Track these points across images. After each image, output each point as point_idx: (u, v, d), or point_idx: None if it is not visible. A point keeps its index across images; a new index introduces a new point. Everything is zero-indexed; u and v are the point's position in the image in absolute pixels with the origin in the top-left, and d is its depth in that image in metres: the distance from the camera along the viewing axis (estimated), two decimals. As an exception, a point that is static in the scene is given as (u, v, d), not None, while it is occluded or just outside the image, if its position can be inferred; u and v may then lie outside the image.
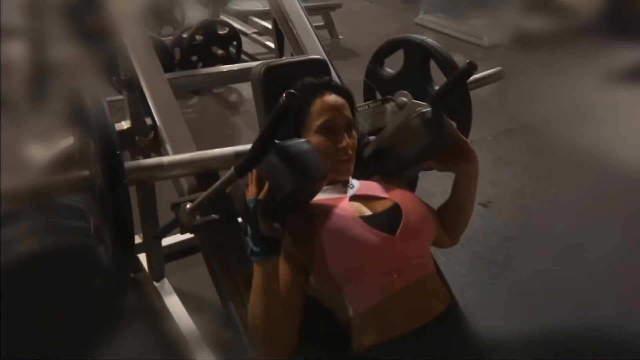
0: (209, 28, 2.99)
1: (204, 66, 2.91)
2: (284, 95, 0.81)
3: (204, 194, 0.97)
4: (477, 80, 1.47)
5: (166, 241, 1.69)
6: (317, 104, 1.02)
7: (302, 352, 0.93)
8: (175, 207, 1.03)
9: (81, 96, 0.97)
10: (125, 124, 1.51)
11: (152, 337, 1.47)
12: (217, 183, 0.93)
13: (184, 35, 2.92)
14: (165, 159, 1.05)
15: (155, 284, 1.63)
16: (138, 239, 1.62)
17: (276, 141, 0.88)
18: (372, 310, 0.92)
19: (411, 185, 1.30)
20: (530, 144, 2.77)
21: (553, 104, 2.58)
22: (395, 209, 0.99)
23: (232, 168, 0.89)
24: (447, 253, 1.96)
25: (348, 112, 1.05)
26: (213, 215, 1.03)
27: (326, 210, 0.96)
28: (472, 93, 1.48)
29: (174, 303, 1.57)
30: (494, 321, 1.20)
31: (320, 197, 0.99)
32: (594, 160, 2.38)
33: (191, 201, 1.00)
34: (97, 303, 1.47)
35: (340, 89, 1.08)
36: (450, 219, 1.12)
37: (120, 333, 1.48)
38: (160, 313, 1.57)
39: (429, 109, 1.04)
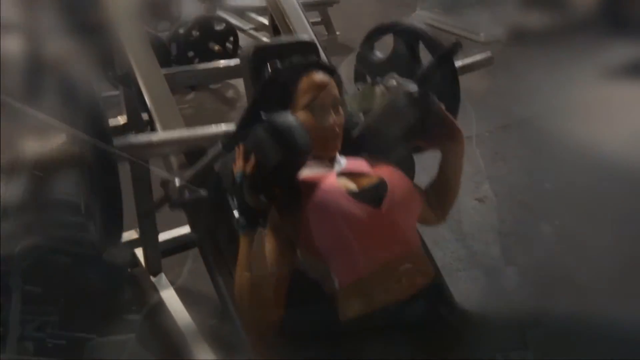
0: (205, 23, 2.98)
1: (201, 62, 2.91)
2: (269, 69, 0.83)
3: (192, 169, 0.99)
4: (466, 65, 1.49)
5: (163, 236, 1.70)
6: (304, 82, 1.04)
7: (290, 327, 0.95)
8: (165, 183, 1.05)
9: (69, 74, 0.98)
10: (121, 120, 1.52)
11: (149, 332, 1.48)
12: (206, 158, 0.96)
13: (181, 31, 2.91)
14: (154, 136, 1.07)
15: (152, 278, 1.64)
16: (134, 234, 1.62)
17: (263, 116, 0.90)
18: (358, 283, 0.94)
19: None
20: (527, 140, 2.78)
21: (550, 100, 2.59)
22: (381, 184, 1.01)
23: (220, 143, 0.91)
24: (443, 248, 1.98)
25: (335, 90, 1.07)
26: (202, 192, 1.05)
27: (313, 185, 0.98)
28: (469, 88, 1.49)
29: (170, 297, 1.58)
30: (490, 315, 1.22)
31: (308, 173, 1.00)
32: (590, 156, 2.39)
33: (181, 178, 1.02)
34: (95, 298, 1.48)
35: (328, 67, 1.10)
36: (437, 196, 1.15)
37: (116, 328, 1.48)
38: (157, 307, 1.57)
39: (416, 87, 1.06)
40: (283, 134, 0.89)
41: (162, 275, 1.63)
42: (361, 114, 1.23)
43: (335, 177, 1.02)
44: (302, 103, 1.03)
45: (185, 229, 1.71)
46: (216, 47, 2.96)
